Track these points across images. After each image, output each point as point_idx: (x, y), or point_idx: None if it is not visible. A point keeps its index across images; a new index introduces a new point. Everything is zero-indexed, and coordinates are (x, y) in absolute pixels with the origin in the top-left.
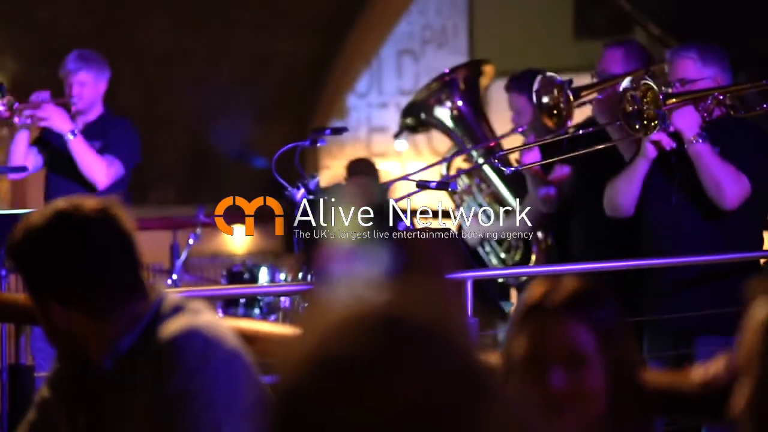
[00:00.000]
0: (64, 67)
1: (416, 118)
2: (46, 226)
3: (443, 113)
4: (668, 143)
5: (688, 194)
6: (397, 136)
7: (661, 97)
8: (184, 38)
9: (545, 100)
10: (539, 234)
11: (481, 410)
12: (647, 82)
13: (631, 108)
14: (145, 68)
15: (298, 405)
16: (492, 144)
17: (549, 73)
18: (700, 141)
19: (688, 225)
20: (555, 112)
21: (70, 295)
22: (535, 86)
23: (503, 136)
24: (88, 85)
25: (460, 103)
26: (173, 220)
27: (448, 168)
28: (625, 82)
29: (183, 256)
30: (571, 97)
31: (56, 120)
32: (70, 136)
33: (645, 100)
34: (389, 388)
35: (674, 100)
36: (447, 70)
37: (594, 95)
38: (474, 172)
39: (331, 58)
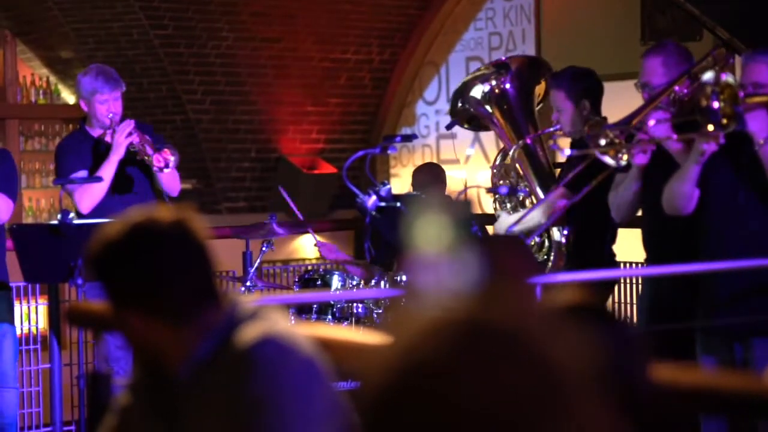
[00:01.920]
0: (101, 88)
1: (461, 103)
2: (123, 239)
3: (484, 90)
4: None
5: (756, 194)
6: (449, 127)
7: (741, 94)
8: (253, 49)
9: (602, 142)
10: (557, 235)
11: (560, 416)
12: (728, 80)
13: (706, 103)
14: (215, 79)
15: (383, 411)
16: (530, 138)
17: (596, 119)
18: None
19: (755, 225)
20: (614, 143)
21: (147, 305)
22: (587, 133)
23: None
24: (120, 100)
25: (507, 86)
26: (246, 228)
27: (499, 171)
28: (707, 76)
29: (256, 264)
30: (621, 134)
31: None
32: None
33: (722, 97)
34: (474, 394)
35: (755, 100)
36: (503, 57)
37: (643, 117)
38: (513, 170)
39: (400, 66)
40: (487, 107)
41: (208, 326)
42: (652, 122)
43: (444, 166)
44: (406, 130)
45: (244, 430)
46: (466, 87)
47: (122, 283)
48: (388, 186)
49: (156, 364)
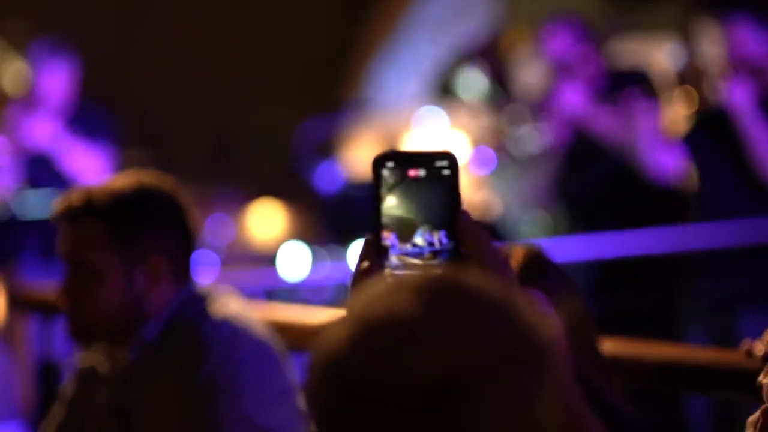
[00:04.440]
0: (32, 61)
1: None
2: (137, 190)
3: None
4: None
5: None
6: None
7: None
8: (203, 18)
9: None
10: None
11: (528, 383)
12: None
13: None
14: (165, 50)
15: (339, 368)
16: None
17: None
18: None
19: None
20: None
21: (164, 250)
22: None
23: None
24: (60, 79)
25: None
26: (200, 199)
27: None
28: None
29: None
30: None
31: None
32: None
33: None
34: (434, 351)
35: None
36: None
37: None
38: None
39: (355, 31)
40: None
41: (166, 301)
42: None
43: (399, 133)
44: (360, 97)
45: (196, 412)
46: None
47: (154, 222)
48: (335, 159)
49: (114, 336)
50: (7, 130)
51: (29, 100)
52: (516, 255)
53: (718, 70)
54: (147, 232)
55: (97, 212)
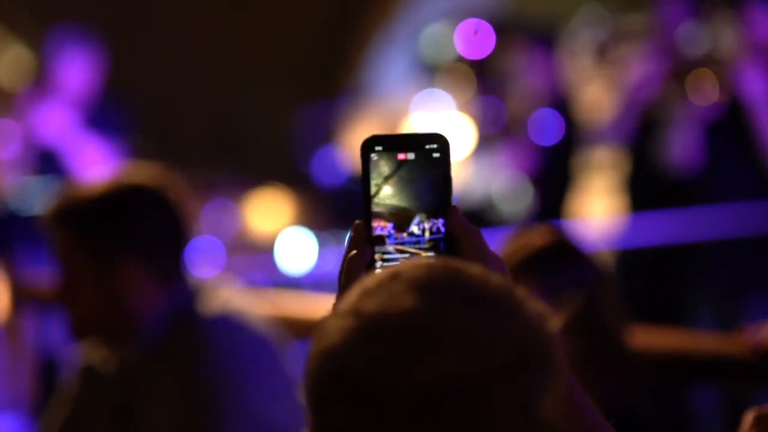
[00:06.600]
0: (50, 48)
1: None
2: (112, 193)
3: None
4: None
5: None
6: None
7: None
8: (205, 6)
9: None
10: None
11: (536, 384)
12: None
13: None
14: (167, 37)
15: (335, 365)
16: None
17: None
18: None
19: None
20: None
21: (144, 250)
22: None
23: None
24: (79, 69)
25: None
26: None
27: None
28: None
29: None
30: None
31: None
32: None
33: None
34: (437, 351)
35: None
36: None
37: None
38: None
39: (355, 17)
40: None
41: (167, 299)
42: None
43: (396, 120)
44: (357, 84)
45: (197, 409)
46: None
47: (119, 231)
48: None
49: (114, 337)
50: (18, 117)
51: (43, 88)
52: (533, 242)
53: (736, 56)
54: (116, 235)
55: (66, 218)
